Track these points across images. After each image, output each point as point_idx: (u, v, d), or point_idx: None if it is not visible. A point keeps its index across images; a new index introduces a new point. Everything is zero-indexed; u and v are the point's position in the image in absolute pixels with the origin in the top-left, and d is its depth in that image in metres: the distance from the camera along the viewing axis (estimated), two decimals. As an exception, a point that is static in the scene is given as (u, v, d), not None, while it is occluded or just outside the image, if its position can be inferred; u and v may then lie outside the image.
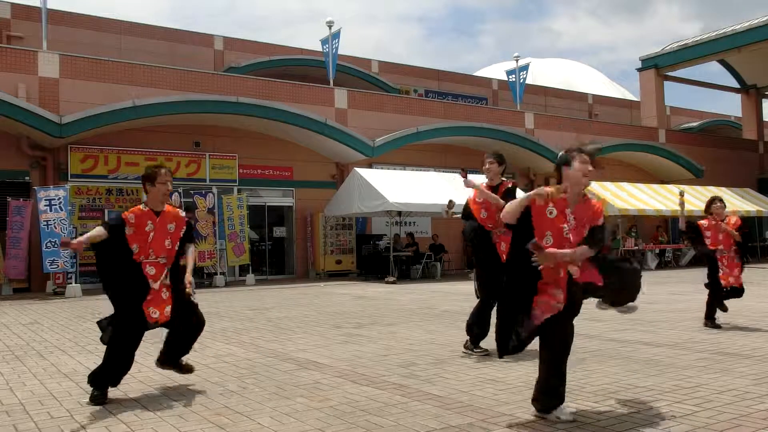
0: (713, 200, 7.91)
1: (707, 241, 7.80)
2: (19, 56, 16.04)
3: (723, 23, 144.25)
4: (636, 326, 7.78)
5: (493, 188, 6.17)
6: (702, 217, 8.03)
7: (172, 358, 5.12)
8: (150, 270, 4.86)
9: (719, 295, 7.78)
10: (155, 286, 4.82)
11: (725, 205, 7.94)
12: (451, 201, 6.45)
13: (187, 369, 5.20)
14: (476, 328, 6.08)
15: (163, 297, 4.86)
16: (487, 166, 6.26)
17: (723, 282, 7.72)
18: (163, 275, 4.88)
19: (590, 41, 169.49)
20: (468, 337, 6.18)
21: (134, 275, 4.82)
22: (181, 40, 27.24)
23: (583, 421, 3.91)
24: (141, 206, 4.97)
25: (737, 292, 7.81)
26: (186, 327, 5.00)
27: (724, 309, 7.85)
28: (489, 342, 6.28)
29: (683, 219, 8.28)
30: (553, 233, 3.87)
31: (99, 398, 4.62)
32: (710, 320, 7.72)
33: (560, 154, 4.08)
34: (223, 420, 4.11)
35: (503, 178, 6.28)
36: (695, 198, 23.29)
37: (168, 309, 4.86)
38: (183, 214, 5.16)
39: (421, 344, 6.84)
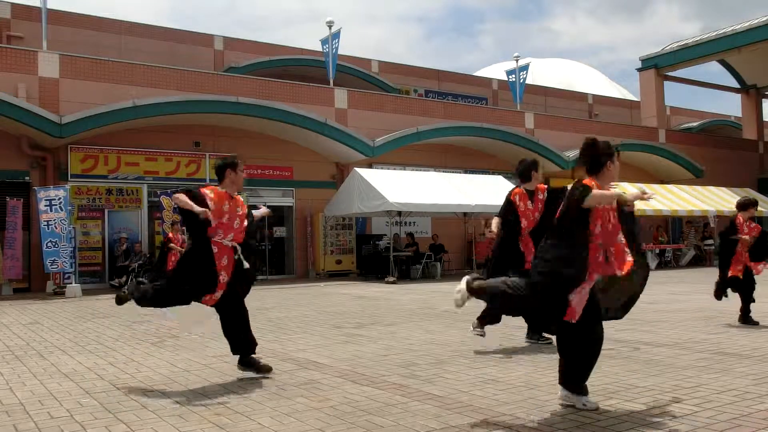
0: (754, 203, 8.14)
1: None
2: (19, 56, 16.04)
3: (722, 23, 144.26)
4: (636, 326, 7.78)
5: (532, 192, 6.48)
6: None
7: (243, 354, 5.30)
8: (214, 248, 5.09)
9: (725, 287, 7.93)
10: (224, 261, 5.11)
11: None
12: None
13: (266, 369, 5.31)
14: (490, 314, 6.22)
15: (221, 280, 5.12)
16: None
17: (732, 273, 7.84)
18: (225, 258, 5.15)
19: (590, 41, 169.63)
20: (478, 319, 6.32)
21: (205, 254, 5.07)
22: (181, 40, 27.23)
23: (583, 421, 3.91)
24: (218, 187, 5.25)
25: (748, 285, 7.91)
26: (231, 317, 5.31)
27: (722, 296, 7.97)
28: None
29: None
30: (603, 222, 4.06)
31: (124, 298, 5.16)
32: (746, 316, 7.80)
33: (609, 144, 4.15)
34: (223, 420, 4.11)
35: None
36: (696, 198, 23.32)
37: (219, 294, 5.15)
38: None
39: (421, 344, 6.84)
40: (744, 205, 8.13)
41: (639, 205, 16.57)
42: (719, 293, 8.07)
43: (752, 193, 25.78)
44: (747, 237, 7.81)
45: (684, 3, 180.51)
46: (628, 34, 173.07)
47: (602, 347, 4.25)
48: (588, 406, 4.14)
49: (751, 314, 7.85)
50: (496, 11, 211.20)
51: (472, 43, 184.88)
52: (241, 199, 5.38)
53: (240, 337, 5.31)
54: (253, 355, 5.35)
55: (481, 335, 6.22)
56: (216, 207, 5.07)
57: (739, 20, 32.02)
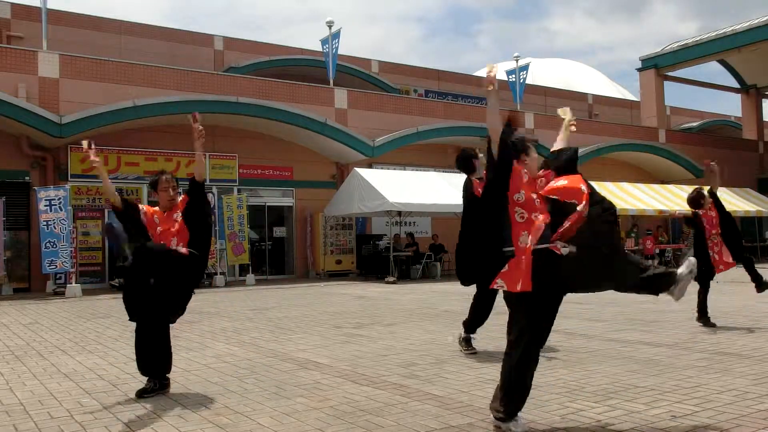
0: (702, 196, 7.99)
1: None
2: (19, 56, 16.04)
3: (720, 23, 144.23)
4: (636, 326, 7.78)
5: None
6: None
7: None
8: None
9: (707, 292, 7.91)
10: None
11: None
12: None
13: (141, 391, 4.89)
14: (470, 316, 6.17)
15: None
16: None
17: (716, 270, 7.84)
18: None
19: (588, 41, 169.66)
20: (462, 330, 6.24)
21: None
22: (181, 40, 27.22)
23: (583, 421, 3.91)
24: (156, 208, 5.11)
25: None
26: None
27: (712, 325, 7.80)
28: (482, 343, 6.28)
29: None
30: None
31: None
32: (704, 318, 7.76)
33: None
34: (223, 420, 4.11)
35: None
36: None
37: None
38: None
39: (421, 344, 6.84)
40: (696, 202, 7.98)
41: (638, 206, 16.71)
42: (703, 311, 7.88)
43: (752, 193, 25.83)
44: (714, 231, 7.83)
45: (681, 3, 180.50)
46: (626, 34, 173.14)
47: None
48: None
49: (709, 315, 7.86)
50: (493, 11, 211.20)
51: (471, 44, 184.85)
52: (174, 216, 5.00)
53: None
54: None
55: (474, 352, 6.11)
56: (148, 219, 4.99)
57: (738, 20, 32.08)
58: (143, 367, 4.96)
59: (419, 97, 27.86)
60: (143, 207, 5.02)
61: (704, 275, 7.80)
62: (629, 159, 26.66)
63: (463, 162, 5.87)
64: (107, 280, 16.74)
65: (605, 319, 8.25)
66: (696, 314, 7.83)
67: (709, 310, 7.81)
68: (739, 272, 8.32)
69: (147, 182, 17.02)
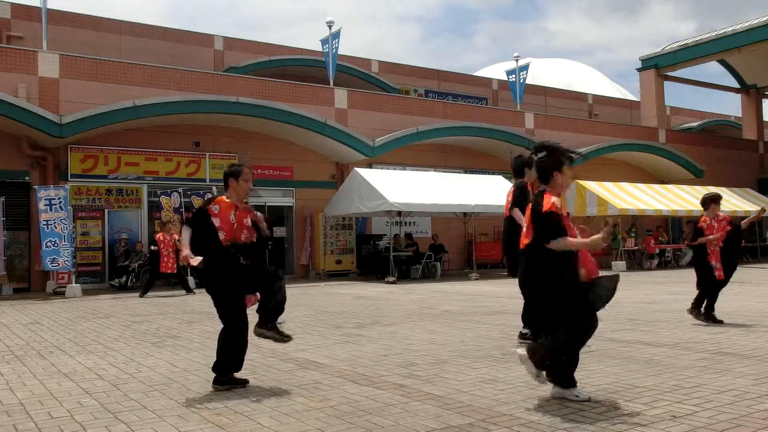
0: (715, 199, 8.04)
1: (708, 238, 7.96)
2: (19, 56, 16.04)
3: (717, 23, 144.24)
4: (636, 326, 7.78)
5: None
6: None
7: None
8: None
9: (715, 293, 7.95)
10: None
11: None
12: None
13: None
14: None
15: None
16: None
17: (717, 276, 7.88)
18: None
19: (585, 41, 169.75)
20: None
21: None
22: (181, 40, 27.23)
23: (583, 421, 3.91)
24: (224, 197, 5.19)
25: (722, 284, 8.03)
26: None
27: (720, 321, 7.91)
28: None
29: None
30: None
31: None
32: (710, 314, 7.83)
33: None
34: (223, 420, 4.11)
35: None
36: (696, 198, 23.30)
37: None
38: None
39: (421, 344, 6.83)
40: (706, 203, 8.06)
41: (638, 206, 16.76)
42: (709, 312, 7.92)
43: (752, 193, 25.83)
44: (714, 236, 7.80)
45: (679, 2, 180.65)
46: (624, 33, 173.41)
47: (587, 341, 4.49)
48: (580, 396, 4.31)
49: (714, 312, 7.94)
50: (491, 11, 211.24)
51: (468, 44, 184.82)
52: (250, 209, 5.26)
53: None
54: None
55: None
56: (223, 218, 5.03)
57: (735, 20, 32.21)
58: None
59: (419, 97, 27.87)
60: (214, 206, 5.05)
61: (711, 284, 7.90)
62: (629, 159, 26.66)
63: (519, 168, 6.62)
64: (107, 280, 16.74)
65: (605, 319, 8.20)
66: (691, 306, 7.96)
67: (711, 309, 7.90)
68: (739, 273, 8.32)
69: (147, 181, 17.21)
